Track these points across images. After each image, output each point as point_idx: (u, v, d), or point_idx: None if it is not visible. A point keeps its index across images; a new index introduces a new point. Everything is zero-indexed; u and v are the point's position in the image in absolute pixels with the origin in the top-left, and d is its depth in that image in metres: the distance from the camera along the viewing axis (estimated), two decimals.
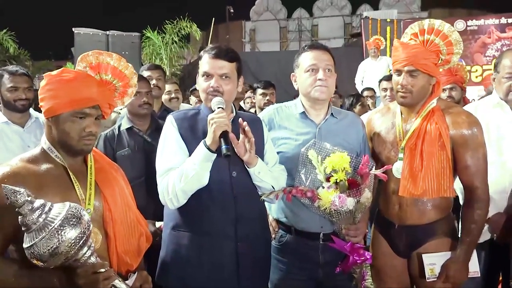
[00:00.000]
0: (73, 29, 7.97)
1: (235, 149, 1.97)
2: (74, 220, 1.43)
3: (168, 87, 4.40)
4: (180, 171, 1.92)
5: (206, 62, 2.04)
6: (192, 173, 1.89)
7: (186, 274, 2.01)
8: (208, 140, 1.89)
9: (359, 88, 8.04)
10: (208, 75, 2.04)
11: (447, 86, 3.92)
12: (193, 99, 5.22)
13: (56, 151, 1.68)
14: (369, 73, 8.52)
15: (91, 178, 1.72)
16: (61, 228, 1.41)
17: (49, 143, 1.69)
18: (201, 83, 2.07)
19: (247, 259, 2.02)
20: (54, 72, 1.69)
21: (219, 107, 1.93)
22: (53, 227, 1.40)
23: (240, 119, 2.00)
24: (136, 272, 1.77)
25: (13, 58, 11.63)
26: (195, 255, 2.00)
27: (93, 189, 1.70)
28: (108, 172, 1.82)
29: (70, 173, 1.67)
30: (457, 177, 2.26)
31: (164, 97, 4.35)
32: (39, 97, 1.68)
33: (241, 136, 1.99)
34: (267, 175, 2.07)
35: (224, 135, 1.86)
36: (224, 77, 2.02)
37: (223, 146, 1.84)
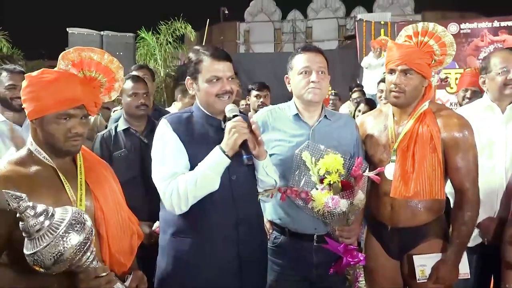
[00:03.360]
0: (67, 29, 7.94)
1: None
2: (78, 226, 1.40)
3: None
4: (194, 176, 1.90)
5: (214, 67, 2.00)
6: (207, 178, 1.89)
7: (189, 280, 1.98)
8: (226, 147, 1.89)
9: (365, 85, 8.10)
10: (218, 79, 2.00)
11: (470, 87, 3.84)
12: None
13: (44, 152, 1.64)
14: (369, 72, 8.59)
15: (81, 178, 1.68)
16: (66, 234, 1.37)
17: (36, 145, 1.64)
18: (210, 87, 2.00)
19: (249, 262, 2.02)
20: (35, 73, 1.63)
21: (235, 115, 1.94)
22: (58, 233, 1.37)
23: (251, 116, 2.02)
24: (132, 273, 1.77)
25: (6, 58, 11.52)
26: (197, 260, 1.97)
27: (84, 189, 1.67)
28: (98, 171, 1.79)
29: (60, 174, 1.63)
30: (448, 180, 2.27)
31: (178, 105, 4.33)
32: (21, 98, 1.63)
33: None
34: (272, 169, 2.09)
35: (244, 143, 1.89)
36: (231, 78, 2.03)
37: (245, 156, 1.90)
